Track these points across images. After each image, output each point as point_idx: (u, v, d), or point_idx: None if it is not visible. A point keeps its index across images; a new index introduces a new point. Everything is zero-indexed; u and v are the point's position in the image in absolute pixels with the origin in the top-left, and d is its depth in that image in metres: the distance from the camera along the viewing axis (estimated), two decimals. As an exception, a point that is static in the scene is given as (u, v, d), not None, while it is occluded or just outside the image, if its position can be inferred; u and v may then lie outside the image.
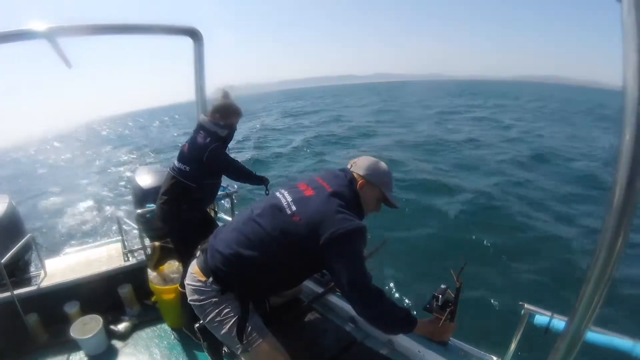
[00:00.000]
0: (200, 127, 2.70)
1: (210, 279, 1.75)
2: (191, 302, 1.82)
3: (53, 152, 30.01)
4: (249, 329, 1.75)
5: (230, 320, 1.74)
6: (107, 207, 11.21)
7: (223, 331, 1.75)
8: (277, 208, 1.74)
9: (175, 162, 2.72)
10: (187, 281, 1.86)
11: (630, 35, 0.87)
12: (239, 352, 1.77)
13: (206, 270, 1.78)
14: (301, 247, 1.66)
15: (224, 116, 2.72)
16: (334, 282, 1.75)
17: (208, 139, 2.61)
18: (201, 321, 1.91)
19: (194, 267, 1.86)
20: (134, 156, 22.08)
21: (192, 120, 2.99)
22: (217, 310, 1.75)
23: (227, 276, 1.74)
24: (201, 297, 1.77)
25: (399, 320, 1.73)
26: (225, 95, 2.79)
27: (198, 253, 1.91)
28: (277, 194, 1.85)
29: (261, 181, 2.96)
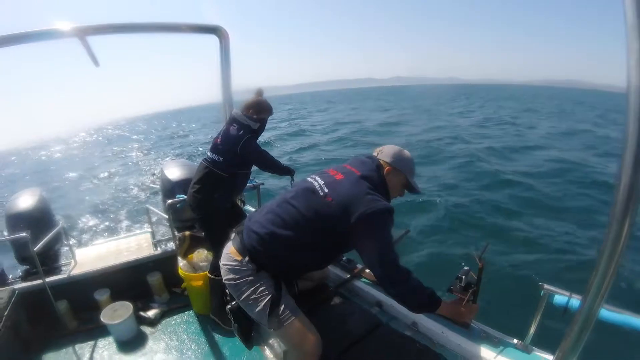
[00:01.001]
0: (233, 120, 2.90)
1: (247, 258, 1.92)
2: (226, 282, 1.99)
3: (78, 149, 30.95)
4: (283, 307, 1.91)
5: (264, 298, 1.89)
6: (135, 200, 11.66)
7: (258, 309, 1.90)
8: (310, 191, 1.91)
9: (209, 153, 2.92)
10: (222, 262, 2.02)
11: (633, 28, 0.99)
12: (271, 330, 1.92)
13: (242, 250, 1.95)
14: (333, 226, 1.82)
15: (257, 111, 2.92)
16: (363, 260, 1.88)
17: (241, 131, 2.82)
18: (233, 303, 2.08)
19: (229, 247, 2.03)
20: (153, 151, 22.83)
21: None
22: (252, 289, 1.91)
23: (262, 255, 1.91)
24: (237, 276, 1.93)
25: (424, 298, 1.89)
26: (259, 92, 2.99)
27: (233, 235, 2.08)
28: (309, 179, 2.02)
29: (288, 171, 3.15)
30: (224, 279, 2.00)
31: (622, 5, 1.00)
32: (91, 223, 9.72)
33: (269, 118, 3.03)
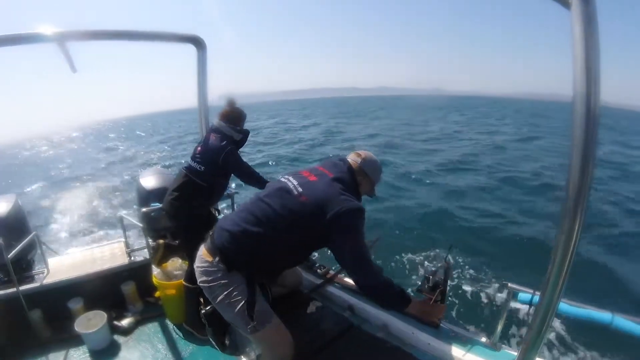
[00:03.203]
0: (215, 129, 2.94)
1: (217, 258, 1.93)
2: (201, 285, 2.00)
3: (52, 153, 30.47)
4: (257, 311, 1.94)
5: (239, 303, 1.91)
6: (110, 209, 11.52)
7: (232, 313, 1.93)
8: (285, 190, 1.98)
9: (190, 162, 2.95)
10: (196, 264, 2.04)
11: (578, 38, 1.10)
12: (247, 333, 1.95)
13: (213, 249, 1.97)
14: (307, 224, 1.90)
15: (236, 123, 2.98)
16: (336, 257, 1.96)
17: (224, 142, 2.86)
18: (208, 308, 2.13)
19: (202, 249, 2.05)
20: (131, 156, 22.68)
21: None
22: (225, 292, 1.93)
23: (233, 253, 1.93)
24: (209, 278, 1.95)
25: (395, 294, 1.99)
26: (232, 102, 3.04)
27: (207, 237, 2.10)
28: (282, 179, 2.09)
29: (266, 183, 3.15)
30: (198, 281, 2.02)
31: (569, 18, 1.11)
32: (63, 231, 9.59)
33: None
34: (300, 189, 1.95)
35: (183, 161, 3.07)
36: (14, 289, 3.01)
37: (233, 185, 3.78)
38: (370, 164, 2.17)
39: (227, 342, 2.59)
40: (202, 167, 2.89)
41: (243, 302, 1.92)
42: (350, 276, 2.07)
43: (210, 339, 2.49)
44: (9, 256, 2.92)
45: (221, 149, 2.83)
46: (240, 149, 3.01)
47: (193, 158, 2.96)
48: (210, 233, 2.10)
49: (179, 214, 2.96)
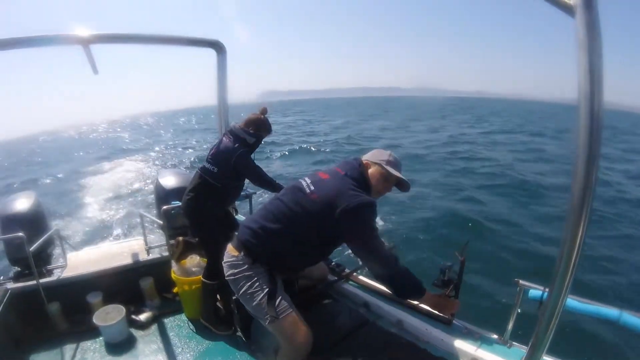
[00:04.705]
0: (230, 132, 3.08)
1: (242, 253, 2.12)
2: (227, 278, 2.18)
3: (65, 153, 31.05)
4: (278, 301, 2.08)
5: (261, 293, 2.07)
6: (130, 207, 11.70)
7: (254, 302, 2.08)
8: (298, 189, 2.14)
9: (205, 163, 3.09)
10: (223, 260, 2.22)
11: (582, 43, 1.17)
12: (267, 323, 2.08)
13: (238, 245, 2.16)
14: (319, 221, 2.03)
15: (257, 129, 3.09)
16: (352, 250, 2.09)
17: (237, 144, 2.99)
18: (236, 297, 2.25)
19: (229, 246, 2.23)
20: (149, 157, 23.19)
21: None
22: (249, 283, 2.09)
23: (256, 247, 2.11)
24: (235, 271, 2.12)
25: (412, 284, 2.12)
26: (263, 111, 3.15)
27: (234, 236, 2.27)
28: (300, 179, 2.24)
29: (278, 187, 3.19)
30: (225, 275, 2.18)
31: (574, 21, 1.20)
32: (84, 227, 9.84)
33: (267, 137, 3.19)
34: (312, 187, 2.10)
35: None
36: (34, 282, 3.15)
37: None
38: (373, 153, 2.30)
39: (252, 329, 2.70)
40: (216, 169, 3.02)
41: (264, 293, 2.06)
42: (367, 267, 2.19)
43: (237, 326, 2.65)
44: (30, 249, 3.07)
45: (233, 151, 2.96)
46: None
47: (208, 159, 3.10)
48: (236, 232, 2.26)
49: (195, 213, 3.11)
